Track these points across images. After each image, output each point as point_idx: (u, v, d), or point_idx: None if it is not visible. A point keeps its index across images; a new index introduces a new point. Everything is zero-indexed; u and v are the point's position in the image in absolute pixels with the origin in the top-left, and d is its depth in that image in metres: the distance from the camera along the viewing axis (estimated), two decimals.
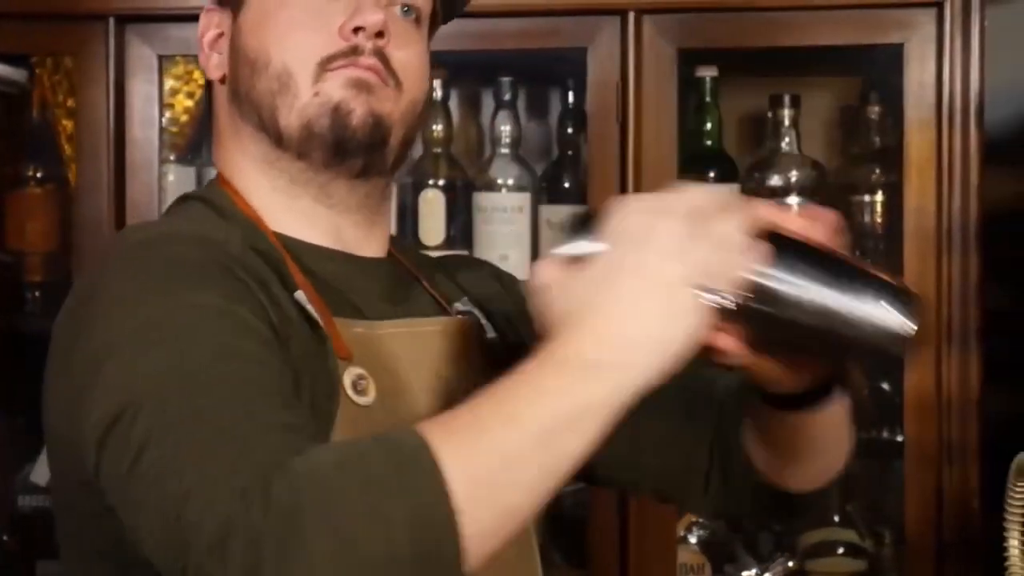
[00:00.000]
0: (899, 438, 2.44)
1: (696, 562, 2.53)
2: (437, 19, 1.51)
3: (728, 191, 1.15)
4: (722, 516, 1.56)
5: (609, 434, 1.49)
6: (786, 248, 1.14)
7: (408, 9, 1.44)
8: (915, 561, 2.40)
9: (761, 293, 1.13)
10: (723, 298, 1.11)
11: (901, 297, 1.14)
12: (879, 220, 2.57)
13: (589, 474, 1.54)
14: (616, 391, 1.09)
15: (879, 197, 2.57)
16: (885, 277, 1.16)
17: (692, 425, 1.52)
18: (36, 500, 2.59)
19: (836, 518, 2.58)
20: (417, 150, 2.59)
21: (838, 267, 1.15)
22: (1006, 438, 1.99)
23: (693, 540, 2.57)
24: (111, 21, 2.42)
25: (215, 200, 1.42)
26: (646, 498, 1.71)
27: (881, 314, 1.13)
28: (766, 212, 1.16)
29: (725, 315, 1.13)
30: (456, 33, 2.32)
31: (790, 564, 2.56)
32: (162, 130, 2.48)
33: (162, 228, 1.41)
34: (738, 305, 1.12)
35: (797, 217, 1.18)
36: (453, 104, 2.68)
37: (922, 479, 2.37)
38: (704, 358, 1.18)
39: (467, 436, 1.07)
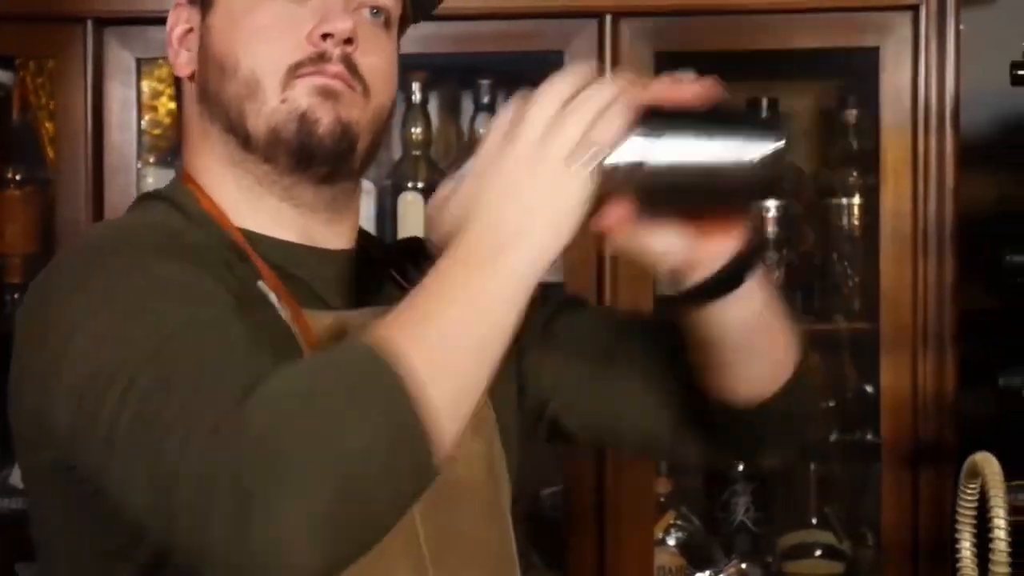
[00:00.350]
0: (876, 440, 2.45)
1: (674, 564, 2.53)
2: (407, 20, 1.51)
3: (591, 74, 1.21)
4: (701, 458, 1.55)
5: (587, 401, 1.54)
6: (652, 110, 1.21)
7: (377, 11, 1.44)
8: (892, 562, 2.41)
9: (634, 153, 1.20)
10: (598, 161, 1.18)
11: (766, 120, 1.21)
12: (857, 223, 2.57)
13: (573, 437, 1.58)
14: (523, 265, 1.18)
15: (857, 200, 2.58)
16: (749, 110, 1.23)
17: (658, 373, 1.52)
18: (15, 502, 2.58)
19: (814, 520, 2.59)
20: (396, 152, 2.60)
21: (701, 114, 1.22)
22: (982, 439, 2.00)
23: (671, 542, 2.58)
24: (89, 24, 2.42)
25: (178, 198, 1.43)
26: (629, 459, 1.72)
27: (747, 142, 1.20)
28: (630, 83, 1.22)
29: (606, 184, 1.20)
30: (435, 36, 2.35)
31: (743, 566, 2.56)
32: (142, 132, 2.49)
33: (121, 223, 1.43)
34: (614, 167, 1.19)
35: (660, 84, 1.23)
36: (432, 107, 2.69)
37: (898, 481, 2.38)
38: (598, 234, 1.25)
39: (412, 328, 1.14)
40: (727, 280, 1.34)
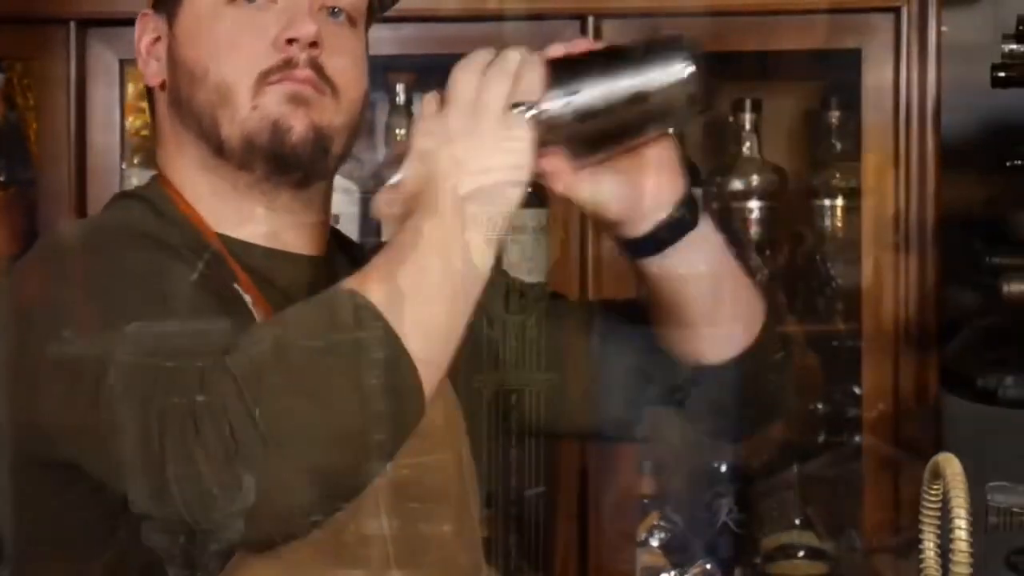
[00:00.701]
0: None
1: (657, 564, 2.54)
2: (373, 13, 1.52)
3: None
4: (675, 435, 1.57)
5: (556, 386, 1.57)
6: (560, 64, 1.31)
7: (338, 11, 1.45)
8: (874, 563, 2.41)
9: (556, 102, 1.29)
10: (530, 109, 1.27)
11: (675, 47, 1.32)
12: (839, 224, 2.58)
13: (566, 430, 1.63)
14: (488, 203, 1.24)
15: (839, 201, 2.58)
16: (647, 42, 1.34)
17: (625, 348, 1.54)
18: None
19: (797, 521, 2.59)
20: (381, 153, 2.60)
21: (605, 58, 1.33)
22: (962, 440, 2.00)
23: (654, 543, 2.58)
24: (72, 25, 2.42)
25: (155, 200, 1.44)
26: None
27: (662, 70, 1.30)
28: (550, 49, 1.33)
29: (544, 133, 1.28)
30: (419, 37, 2.35)
31: (708, 567, 2.57)
32: (128, 134, 2.49)
33: (96, 224, 1.43)
34: (542, 116, 1.28)
35: (556, 45, 1.34)
36: (417, 108, 2.68)
37: (880, 481, 2.39)
38: (541, 183, 1.34)
39: (384, 276, 1.21)
40: (675, 224, 1.39)
